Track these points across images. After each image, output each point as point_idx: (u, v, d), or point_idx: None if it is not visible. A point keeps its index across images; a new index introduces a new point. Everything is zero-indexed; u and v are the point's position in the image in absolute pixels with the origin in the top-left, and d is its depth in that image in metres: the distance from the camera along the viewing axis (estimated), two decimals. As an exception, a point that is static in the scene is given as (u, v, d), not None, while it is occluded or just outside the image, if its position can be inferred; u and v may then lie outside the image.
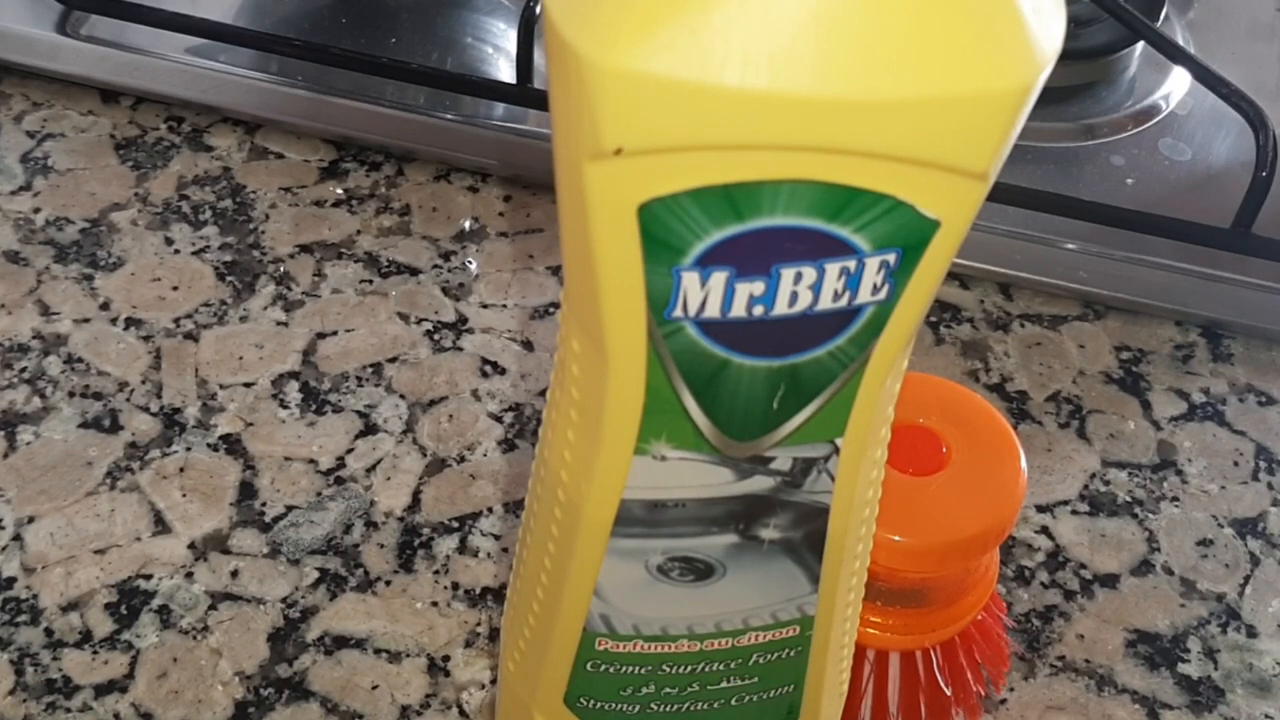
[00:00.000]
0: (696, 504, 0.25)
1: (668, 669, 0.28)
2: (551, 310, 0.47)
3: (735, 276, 0.21)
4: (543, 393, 0.44)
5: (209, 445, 0.42)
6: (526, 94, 0.50)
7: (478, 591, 0.40)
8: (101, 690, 0.37)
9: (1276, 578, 0.41)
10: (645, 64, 0.19)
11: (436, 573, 0.40)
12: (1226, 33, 0.58)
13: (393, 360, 0.45)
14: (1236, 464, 0.44)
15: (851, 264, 0.22)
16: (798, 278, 0.22)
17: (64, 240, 0.48)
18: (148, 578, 0.39)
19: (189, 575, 0.39)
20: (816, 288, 0.22)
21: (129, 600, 0.39)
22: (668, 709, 0.29)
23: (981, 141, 0.20)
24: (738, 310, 0.22)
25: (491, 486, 0.42)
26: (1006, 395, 0.46)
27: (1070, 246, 0.48)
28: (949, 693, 0.35)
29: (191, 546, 0.40)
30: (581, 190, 0.21)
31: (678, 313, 0.22)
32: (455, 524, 0.41)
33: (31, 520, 0.40)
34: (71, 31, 0.53)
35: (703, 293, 0.22)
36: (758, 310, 0.22)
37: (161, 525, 0.40)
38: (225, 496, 0.41)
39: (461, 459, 0.43)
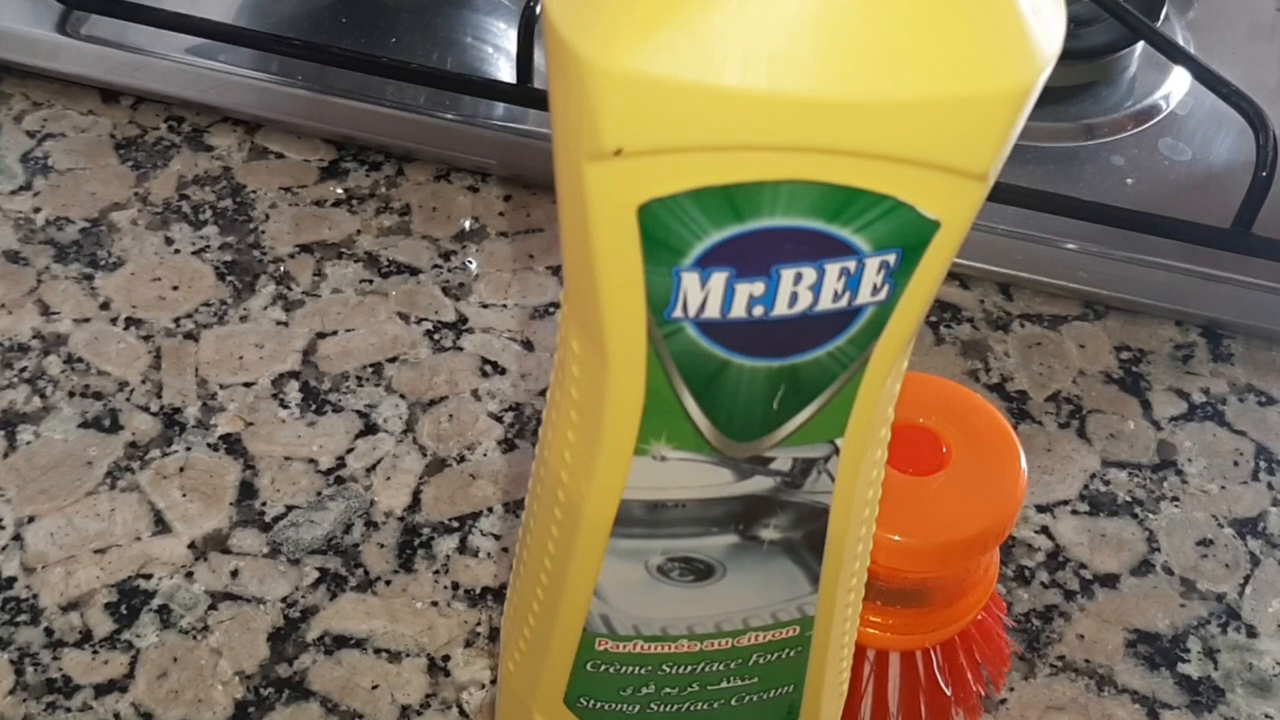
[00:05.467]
0: (696, 504, 0.25)
1: (668, 669, 0.28)
2: (551, 310, 0.47)
3: (735, 277, 0.21)
4: (543, 393, 0.44)
5: (209, 445, 0.42)
6: (526, 94, 0.50)
7: (478, 591, 0.40)
8: (101, 690, 0.37)
9: (1276, 578, 0.41)
10: (645, 65, 0.19)
11: (436, 573, 0.40)
12: (1226, 33, 0.58)
13: (393, 360, 0.45)
14: (1236, 464, 0.44)
15: (851, 264, 0.22)
16: (797, 278, 0.22)
17: (64, 240, 0.48)
18: (148, 577, 0.39)
19: (189, 575, 0.39)
20: (816, 288, 0.22)
21: (129, 600, 0.39)
22: (668, 709, 0.29)
23: (981, 142, 0.20)
24: (738, 311, 0.22)
25: (491, 486, 0.42)
26: (1006, 395, 0.46)
27: (1070, 246, 0.48)
28: (949, 693, 0.35)
29: (191, 546, 0.40)
30: (581, 191, 0.21)
31: (678, 313, 0.22)
32: (455, 524, 0.41)
33: (31, 520, 0.40)
34: (71, 31, 0.53)
35: (703, 293, 0.22)
36: (758, 311, 0.22)
37: (161, 525, 0.40)
38: (225, 496, 0.41)
39: (461, 459, 0.43)
